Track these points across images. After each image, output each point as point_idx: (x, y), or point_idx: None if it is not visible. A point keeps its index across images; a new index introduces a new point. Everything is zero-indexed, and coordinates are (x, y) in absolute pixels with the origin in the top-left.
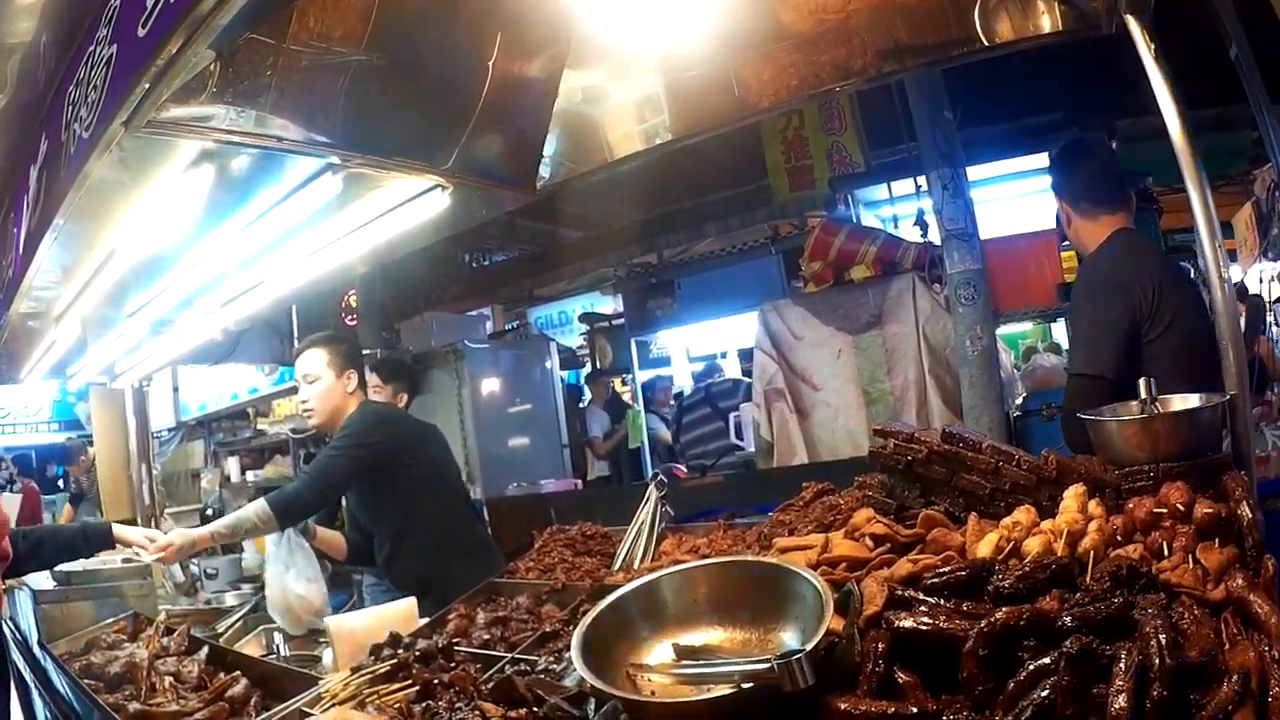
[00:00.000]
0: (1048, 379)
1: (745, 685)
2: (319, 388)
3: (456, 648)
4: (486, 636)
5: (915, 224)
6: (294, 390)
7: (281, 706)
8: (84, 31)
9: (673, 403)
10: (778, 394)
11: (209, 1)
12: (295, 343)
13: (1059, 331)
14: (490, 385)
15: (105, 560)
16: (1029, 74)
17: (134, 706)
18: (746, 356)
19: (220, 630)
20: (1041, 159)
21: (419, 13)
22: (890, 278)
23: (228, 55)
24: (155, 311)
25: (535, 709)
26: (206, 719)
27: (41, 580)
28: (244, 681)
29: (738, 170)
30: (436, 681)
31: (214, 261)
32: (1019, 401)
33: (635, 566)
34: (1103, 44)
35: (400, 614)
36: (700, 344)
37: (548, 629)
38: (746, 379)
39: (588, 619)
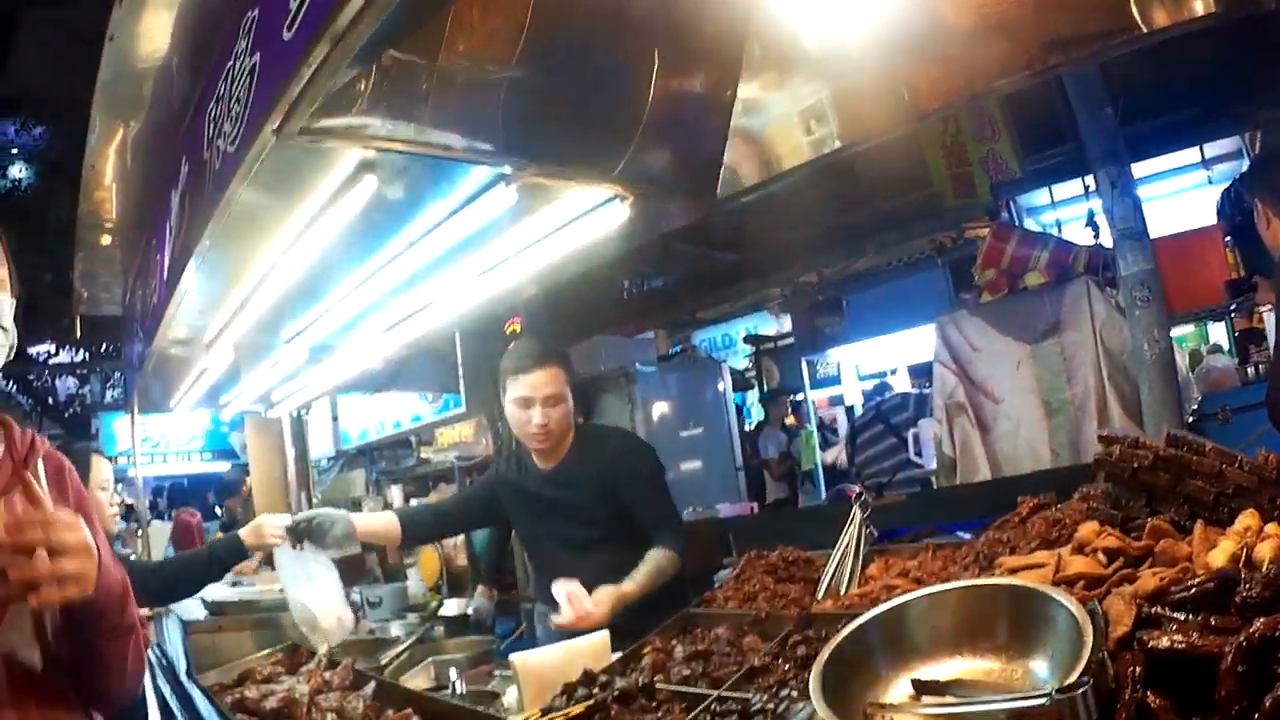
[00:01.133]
0: (1221, 381)
1: None
2: (562, 410)
3: (657, 685)
4: (687, 672)
5: (1086, 225)
6: (459, 418)
7: None
8: (219, 48)
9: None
10: (959, 408)
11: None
12: (460, 370)
13: (1216, 333)
14: (661, 408)
15: (263, 590)
16: (1174, 66)
17: None
18: (917, 373)
19: (385, 662)
20: (1190, 154)
21: (571, 30)
22: (1064, 283)
23: (378, 68)
24: (313, 337)
25: None
26: None
27: (192, 608)
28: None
29: (894, 183)
30: None
31: (376, 284)
32: (1194, 406)
33: (843, 592)
34: (1245, 33)
35: (592, 649)
36: (869, 361)
37: (756, 663)
38: (915, 392)
39: (826, 652)
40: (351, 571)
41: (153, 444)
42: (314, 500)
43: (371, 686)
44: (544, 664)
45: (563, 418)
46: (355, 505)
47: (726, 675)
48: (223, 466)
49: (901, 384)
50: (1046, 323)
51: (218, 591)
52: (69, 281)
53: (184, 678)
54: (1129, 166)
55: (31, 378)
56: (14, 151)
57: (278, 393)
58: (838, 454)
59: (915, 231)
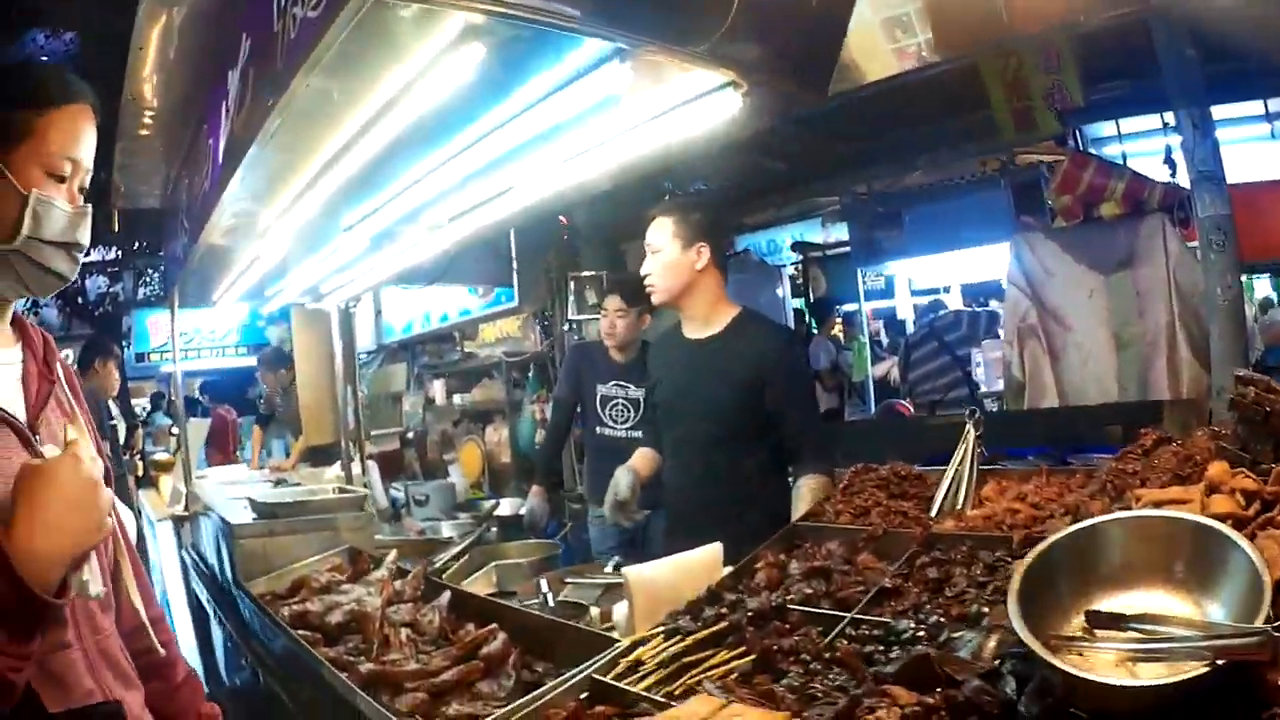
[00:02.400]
0: None
1: (1219, 663)
2: (662, 260)
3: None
4: (809, 591)
5: (1164, 162)
6: (510, 313)
7: (576, 671)
8: None
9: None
10: (1030, 331)
11: None
12: (514, 264)
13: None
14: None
15: (314, 489)
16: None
17: (367, 667)
18: (970, 292)
19: (438, 565)
20: (1254, 106)
21: None
22: (1140, 217)
23: None
24: (376, 225)
25: (950, 691)
26: (457, 680)
27: (236, 510)
28: (502, 636)
29: (949, 102)
30: (776, 649)
31: (454, 168)
32: (1256, 357)
33: (959, 511)
34: None
35: (705, 564)
36: (923, 277)
37: (887, 583)
38: (970, 310)
39: (1017, 579)
40: (391, 467)
41: (187, 339)
42: (359, 394)
43: (446, 597)
44: (657, 579)
45: (664, 269)
46: (395, 399)
47: (852, 596)
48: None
49: (954, 303)
50: (1121, 255)
51: (263, 492)
52: (106, 177)
53: (232, 588)
54: (1209, 109)
55: None
56: (44, 59)
57: (327, 284)
58: (889, 368)
59: (967, 152)
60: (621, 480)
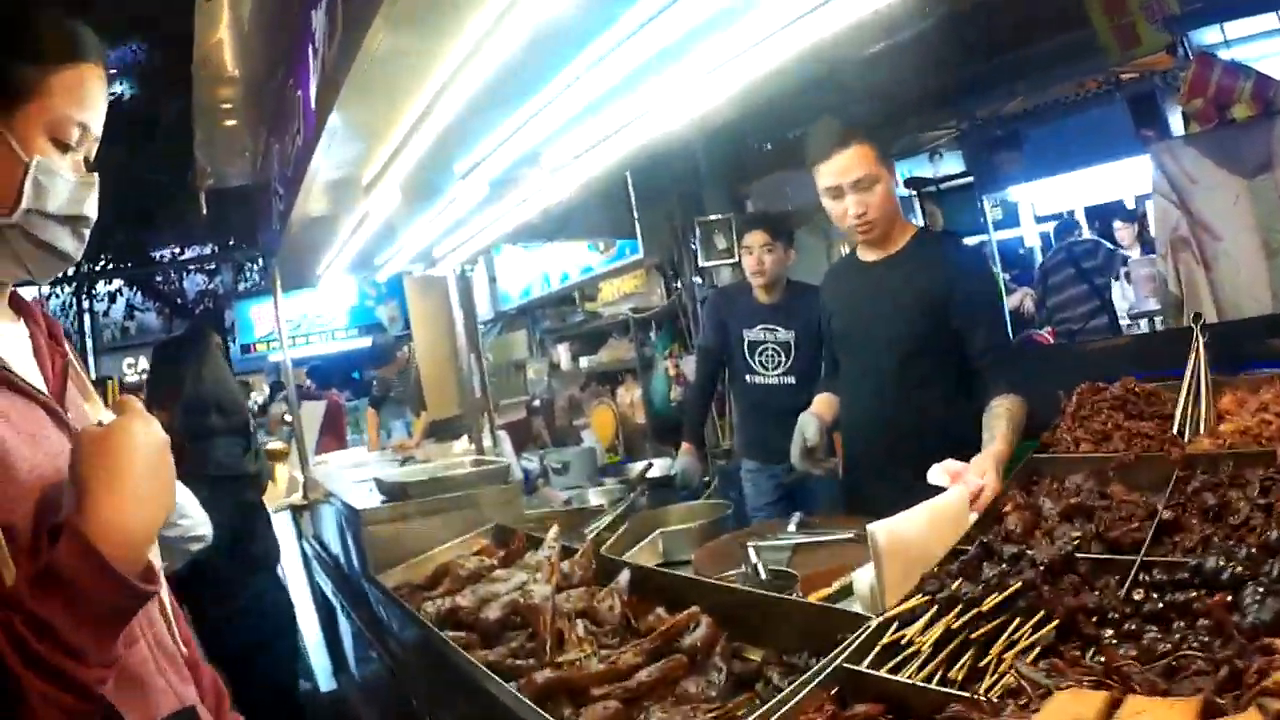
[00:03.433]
0: None
1: None
2: (879, 193)
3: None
4: (1076, 533)
5: None
6: (635, 265)
7: (826, 661)
8: None
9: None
10: (1183, 243)
11: None
12: (634, 213)
13: None
14: None
15: (448, 464)
16: None
17: (543, 674)
18: (1094, 214)
19: (592, 537)
20: None
21: None
22: (1272, 118)
23: None
24: (493, 169)
25: None
26: (657, 681)
27: (362, 494)
28: (706, 622)
29: (1043, 22)
30: (1081, 610)
31: (576, 95)
32: None
33: (1202, 429)
34: None
35: (954, 511)
36: (1045, 202)
37: (1166, 516)
38: (1106, 244)
39: None
40: (519, 438)
41: (294, 325)
42: (485, 362)
43: (626, 576)
44: (908, 536)
45: (882, 200)
46: (518, 368)
47: (1125, 536)
48: (368, 342)
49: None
50: (1260, 158)
51: (390, 472)
52: (190, 162)
53: (363, 583)
54: None
55: (159, 280)
56: (112, 72)
57: (440, 247)
58: (1021, 299)
59: (1071, 73)
60: (809, 425)
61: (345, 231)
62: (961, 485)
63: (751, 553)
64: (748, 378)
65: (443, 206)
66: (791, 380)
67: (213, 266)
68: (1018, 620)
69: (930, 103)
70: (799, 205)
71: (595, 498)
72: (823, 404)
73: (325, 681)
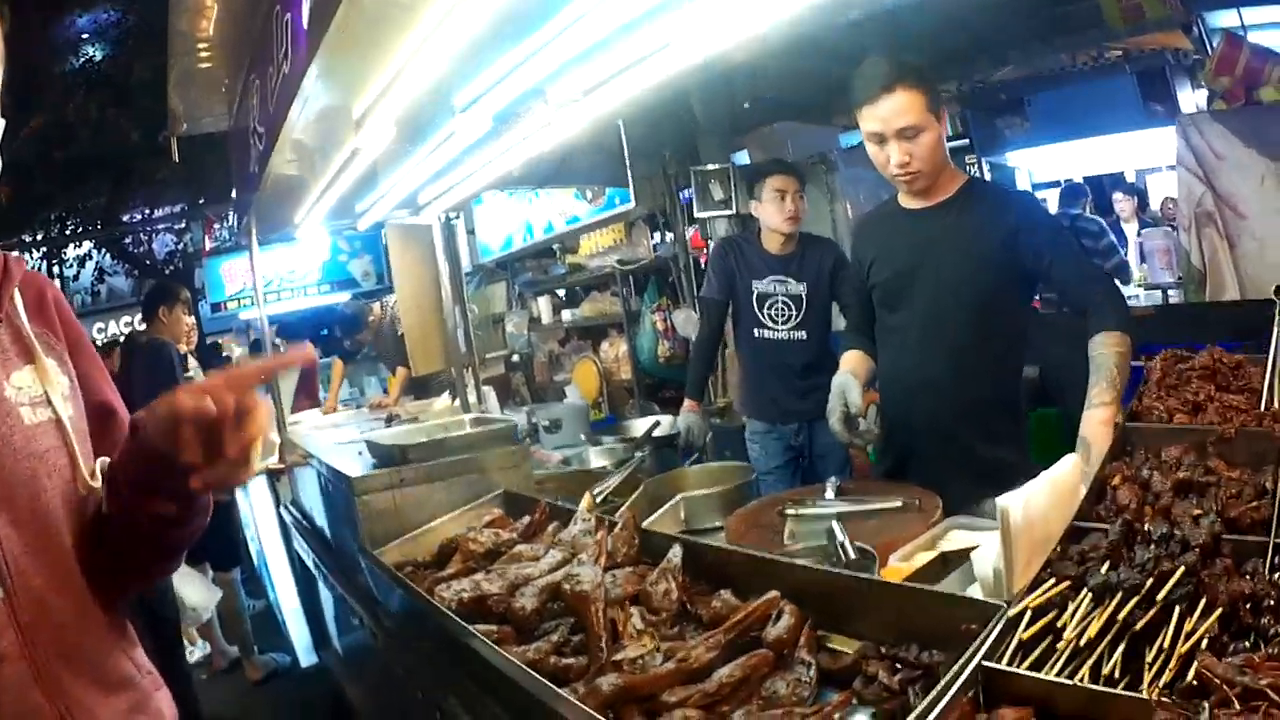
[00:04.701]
0: None
1: None
2: (927, 143)
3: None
4: (1197, 511)
5: None
6: (623, 215)
7: (965, 659)
8: None
9: None
10: (1207, 217)
11: None
12: (627, 162)
13: None
14: (863, 204)
15: (448, 427)
16: None
17: (609, 682)
18: (1093, 185)
19: (599, 500)
20: None
21: None
22: None
23: None
24: (497, 102)
25: None
26: (740, 680)
27: (349, 460)
28: (790, 609)
29: None
30: (1243, 598)
31: (587, 26)
32: None
33: None
34: None
35: (1070, 483)
36: (1044, 169)
37: None
38: (1112, 225)
39: None
40: (498, 392)
41: (265, 282)
42: (469, 314)
43: (678, 553)
44: (1035, 512)
45: (930, 151)
46: (498, 321)
47: (1245, 516)
48: (343, 298)
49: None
50: None
51: (381, 433)
52: (163, 121)
53: (360, 558)
54: None
55: (128, 241)
56: (84, 37)
57: (426, 192)
58: None
59: (1076, 43)
60: (850, 388)
61: (329, 174)
62: (1076, 455)
63: (837, 529)
64: (756, 332)
65: (438, 143)
66: (803, 335)
67: (182, 225)
68: (1177, 610)
69: (930, 63)
70: (798, 158)
71: (596, 458)
72: (856, 362)
73: (306, 656)
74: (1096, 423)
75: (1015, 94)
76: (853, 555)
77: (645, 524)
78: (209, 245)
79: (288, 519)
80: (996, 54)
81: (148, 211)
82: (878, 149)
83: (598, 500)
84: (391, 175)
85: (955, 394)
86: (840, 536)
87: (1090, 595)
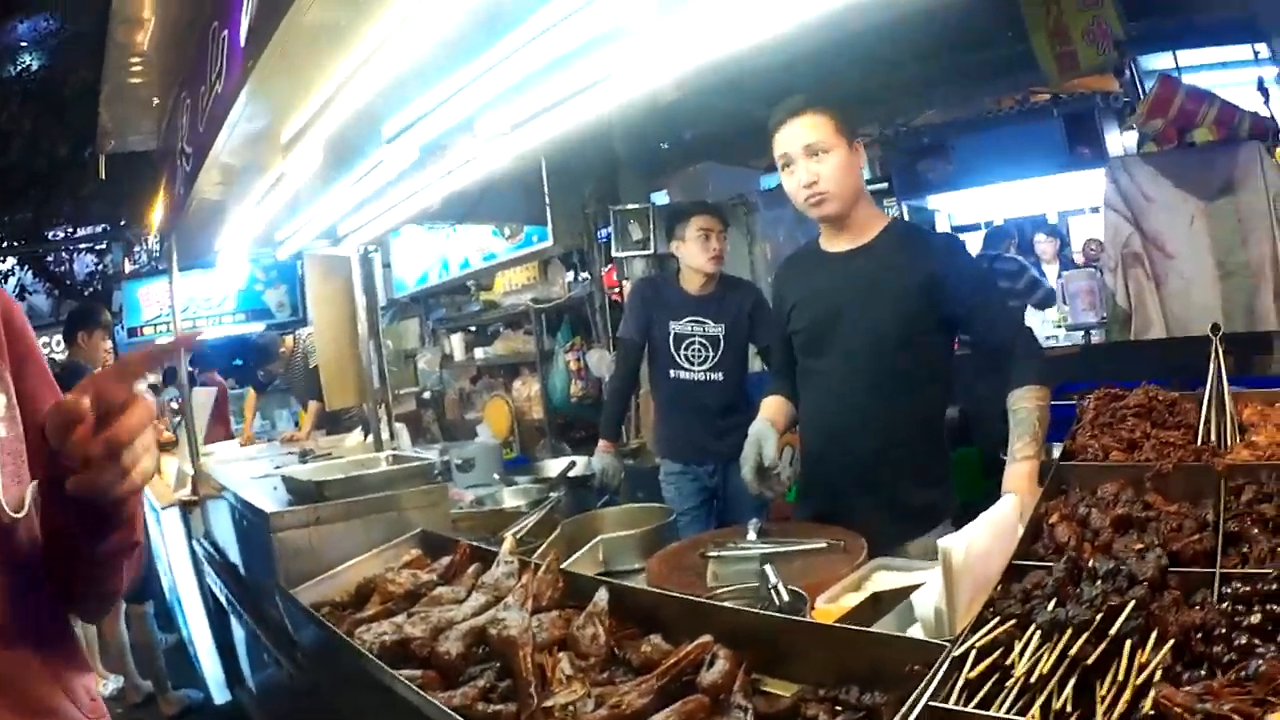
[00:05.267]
0: None
1: None
2: (835, 163)
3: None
4: (1139, 545)
5: (1258, 90)
6: (541, 253)
7: (912, 700)
8: None
9: None
10: (1135, 258)
11: None
12: (546, 200)
13: None
14: (783, 246)
15: (365, 464)
16: None
17: None
18: (1018, 228)
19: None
20: None
21: None
22: (1237, 144)
23: None
24: (426, 133)
25: None
26: None
27: (266, 494)
28: (724, 654)
29: (984, 33)
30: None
31: (517, 62)
32: None
33: (1230, 442)
34: None
35: (1009, 523)
36: (964, 212)
37: (1232, 527)
38: (1034, 273)
39: None
40: (409, 429)
41: (182, 308)
42: (384, 350)
43: (604, 597)
44: (976, 552)
45: (838, 172)
46: (410, 357)
47: (1187, 548)
48: (257, 327)
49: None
50: (1220, 182)
51: (298, 468)
52: (93, 134)
53: (278, 599)
54: None
55: (50, 260)
56: (23, 45)
57: (347, 223)
58: None
59: (1007, 86)
60: (766, 438)
61: (254, 198)
62: (1013, 495)
63: (769, 572)
64: (672, 372)
65: (364, 172)
66: (719, 376)
67: (104, 246)
68: (1128, 643)
69: (851, 106)
70: (718, 199)
71: (510, 498)
72: (775, 409)
73: (219, 692)
74: (1022, 476)
75: (939, 138)
76: (786, 598)
77: (563, 566)
78: (129, 268)
79: (200, 552)
80: (922, 97)
81: (71, 230)
82: (788, 177)
83: (519, 538)
84: (315, 203)
85: (878, 437)
86: (773, 579)
87: (1039, 632)
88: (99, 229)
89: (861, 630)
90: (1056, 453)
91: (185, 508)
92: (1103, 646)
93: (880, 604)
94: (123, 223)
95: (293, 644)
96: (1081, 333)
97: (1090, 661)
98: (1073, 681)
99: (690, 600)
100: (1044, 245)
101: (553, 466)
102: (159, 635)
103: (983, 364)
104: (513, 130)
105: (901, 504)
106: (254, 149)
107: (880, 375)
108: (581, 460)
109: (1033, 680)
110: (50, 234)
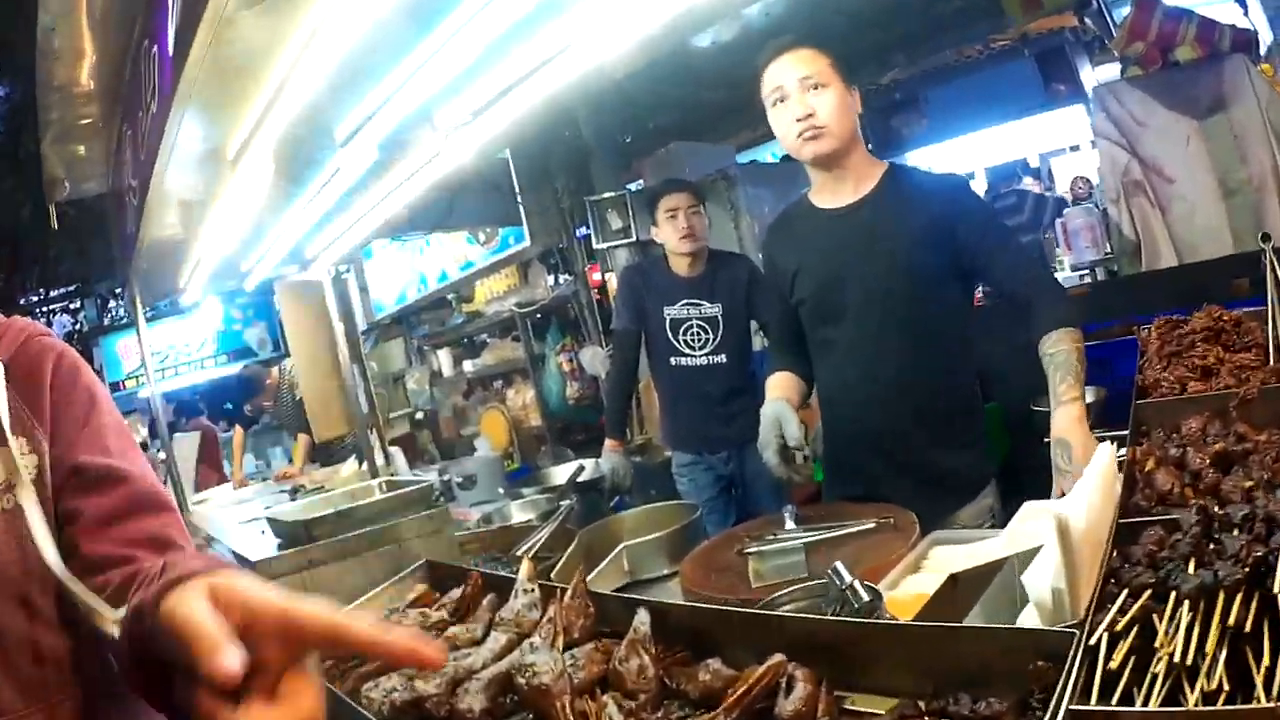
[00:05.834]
0: None
1: None
2: (832, 97)
3: None
4: (1250, 482)
5: (1236, 1)
6: (520, 255)
7: (1055, 704)
8: None
9: None
10: (1136, 186)
11: None
12: (518, 197)
13: None
14: (766, 218)
15: (357, 495)
16: None
17: None
18: (998, 174)
19: (522, 553)
20: None
21: None
22: (1221, 59)
23: None
24: (379, 132)
25: None
26: None
27: (253, 539)
28: (801, 674)
29: None
30: None
31: (467, 42)
32: None
33: None
34: None
35: (1111, 478)
36: (943, 164)
37: None
38: (1033, 192)
39: None
40: (405, 452)
41: (161, 357)
42: (368, 372)
43: (646, 619)
44: (1090, 518)
45: (836, 109)
46: (398, 379)
47: None
48: (238, 369)
49: (979, 188)
50: (1210, 99)
51: (283, 508)
52: (37, 170)
53: None
54: None
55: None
56: None
57: (314, 244)
58: None
59: (971, 36)
60: (786, 418)
61: (209, 227)
62: (1109, 444)
63: (841, 569)
64: (673, 360)
65: (323, 182)
66: (722, 359)
67: (76, 304)
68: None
69: None
70: (696, 178)
71: (518, 512)
72: (786, 386)
73: None
74: (1072, 420)
75: (910, 92)
76: (866, 597)
77: (587, 581)
78: (105, 322)
79: None
80: (886, 57)
81: (44, 293)
82: (779, 112)
83: (528, 557)
84: (276, 225)
85: (909, 403)
86: (847, 576)
87: (1186, 602)
88: (71, 288)
89: (968, 627)
90: (1091, 396)
91: None
92: (1255, 609)
93: (959, 586)
94: (89, 276)
95: None
96: (1086, 271)
97: (1248, 628)
98: (1224, 656)
99: (748, 613)
100: (1032, 188)
101: (558, 474)
102: None
103: (997, 315)
104: (474, 118)
105: (941, 472)
106: (200, 170)
107: (903, 336)
108: (589, 463)
109: (1186, 660)
110: (22, 300)
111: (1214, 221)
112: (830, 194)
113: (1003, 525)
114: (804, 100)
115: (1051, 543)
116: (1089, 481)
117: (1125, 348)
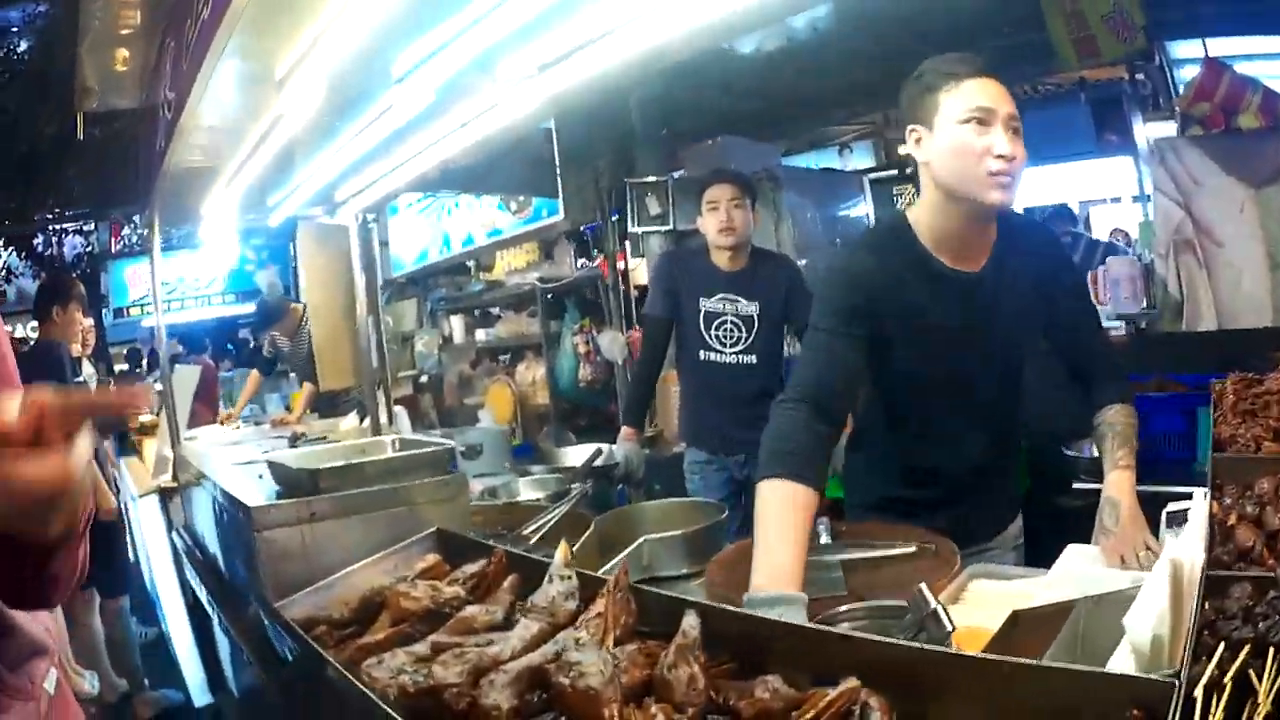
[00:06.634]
0: None
1: None
2: (1023, 149)
3: None
4: None
5: None
6: (551, 228)
7: None
8: None
9: None
10: (1186, 245)
11: None
12: (558, 170)
13: None
14: (811, 224)
15: (367, 450)
16: None
17: None
18: (1041, 215)
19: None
20: None
21: None
22: None
23: None
24: (439, 74)
25: None
26: None
27: (251, 484)
28: (875, 702)
29: (1001, 21)
30: None
31: None
32: None
33: None
34: None
35: (1199, 529)
36: None
37: None
38: (1087, 236)
39: None
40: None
41: (169, 289)
42: (383, 328)
43: (695, 623)
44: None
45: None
46: (407, 340)
47: None
48: (248, 309)
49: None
50: (1270, 169)
51: (288, 455)
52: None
53: (266, 621)
54: None
55: (38, 242)
56: (14, 30)
57: (346, 187)
58: None
59: (1027, 74)
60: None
61: (245, 150)
62: (1201, 492)
63: (925, 592)
64: (701, 354)
65: (373, 117)
66: (752, 359)
67: (91, 227)
68: None
69: (849, 96)
70: (750, 172)
71: (527, 490)
72: (796, 535)
73: (200, 694)
74: (1125, 484)
75: None
76: (949, 627)
77: (600, 571)
78: (115, 247)
79: (179, 545)
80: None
81: (58, 211)
82: (978, 134)
83: (533, 538)
84: (314, 158)
85: (981, 459)
86: (932, 602)
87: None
88: (85, 210)
89: (1061, 668)
90: None
91: (164, 495)
92: None
93: (1019, 624)
94: (108, 201)
95: (281, 664)
96: (1122, 323)
97: None
98: None
99: (813, 628)
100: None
101: (570, 455)
102: (136, 630)
103: (1042, 368)
104: (540, 72)
105: (984, 507)
106: (245, 90)
107: (1001, 407)
108: (606, 448)
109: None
110: (37, 216)
111: (1259, 291)
112: (960, 250)
113: (1025, 560)
114: (1009, 140)
115: (1162, 588)
116: (1193, 528)
117: (1161, 404)
